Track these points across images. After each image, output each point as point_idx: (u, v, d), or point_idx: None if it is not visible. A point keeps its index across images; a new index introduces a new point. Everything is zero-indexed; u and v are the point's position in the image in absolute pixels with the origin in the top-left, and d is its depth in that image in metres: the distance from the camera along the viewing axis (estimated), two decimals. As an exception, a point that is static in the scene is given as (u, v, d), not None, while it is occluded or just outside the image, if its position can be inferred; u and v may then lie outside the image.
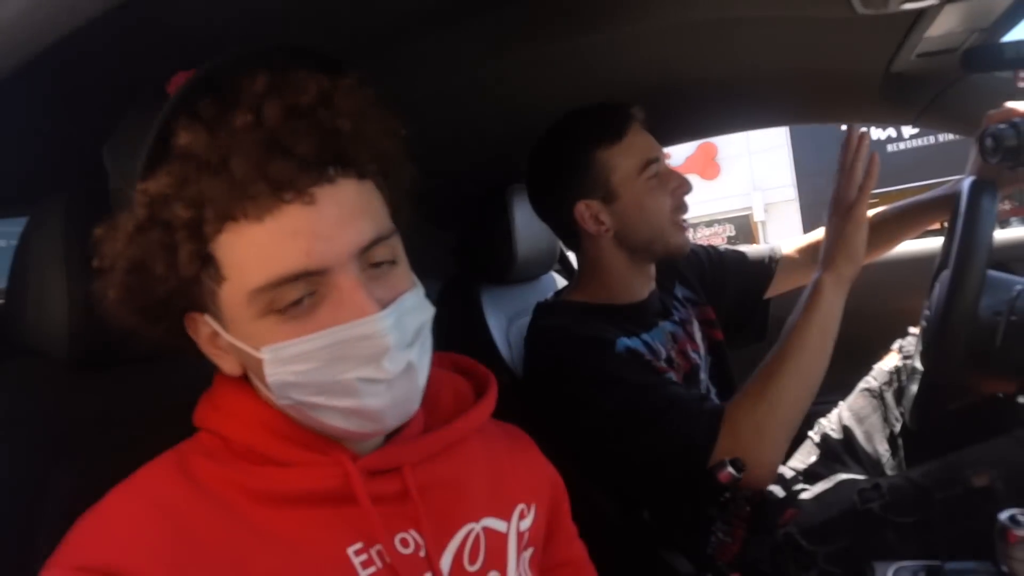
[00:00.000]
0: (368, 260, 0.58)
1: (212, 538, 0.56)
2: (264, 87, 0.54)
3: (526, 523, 0.72)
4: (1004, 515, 0.79)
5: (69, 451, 0.70)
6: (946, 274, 1.08)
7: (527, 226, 1.41)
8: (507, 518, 0.70)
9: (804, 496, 1.22)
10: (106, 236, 0.57)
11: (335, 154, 0.56)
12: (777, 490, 1.27)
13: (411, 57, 0.94)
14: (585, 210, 1.20)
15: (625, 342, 1.13)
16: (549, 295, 1.36)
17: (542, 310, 1.28)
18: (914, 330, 1.43)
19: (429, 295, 0.64)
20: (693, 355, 1.26)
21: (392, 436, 0.66)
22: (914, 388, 1.29)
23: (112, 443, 0.71)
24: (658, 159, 1.19)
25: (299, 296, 0.55)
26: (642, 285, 1.25)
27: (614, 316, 1.20)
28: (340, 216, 0.56)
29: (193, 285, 0.57)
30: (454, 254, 1.54)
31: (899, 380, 1.39)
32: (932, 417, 1.09)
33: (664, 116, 1.33)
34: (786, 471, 1.42)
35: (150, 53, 0.67)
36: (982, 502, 1.01)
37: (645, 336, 1.20)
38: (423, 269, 0.65)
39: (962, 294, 0.99)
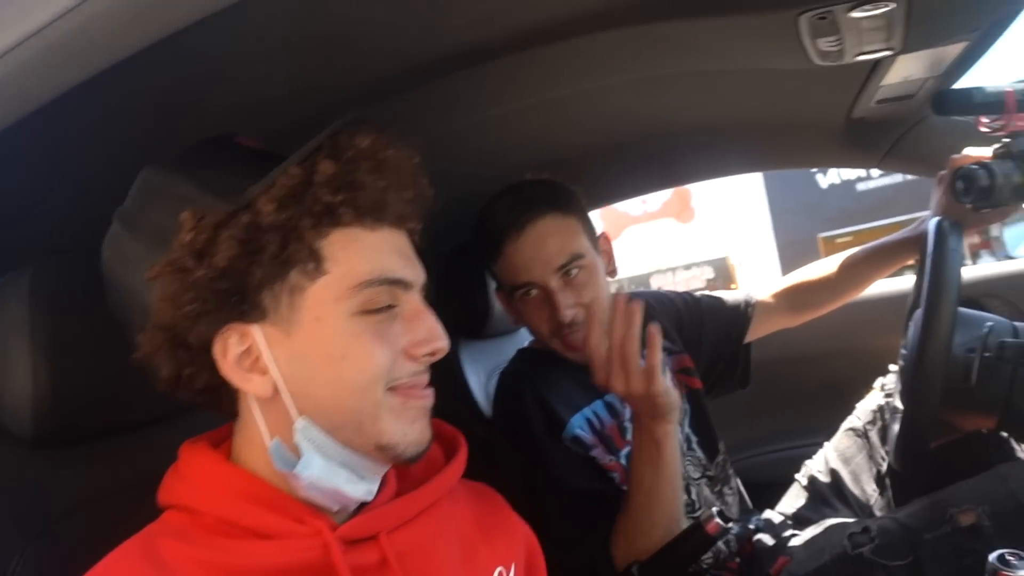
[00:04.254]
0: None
1: None
2: (391, 142, 0.64)
3: None
4: (993, 556, 0.78)
5: (34, 536, 0.67)
6: (919, 313, 1.09)
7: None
8: None
9: (794, 543, 1.21)
10: (208, 216, 0.58)
11: (416, 209, 0.68)
12: (767, 538, 1.26)
13: (385, 113, 0.96)
14: (500, 298, 1.27)
15: (576, 425, 1.16)
16: (526, 342, 1.37)
17: (515, 356, 1.33)
18: (894, 367, 1.44)
19: None
20: None
21: (364, 504, 0.66)
22: (897, 427, 1.30)
23: (77, 526, 0.69)
24: (527, 285, 1.15)
25: (388, 302, 0.63)
26: None
27: (577, 372, 1.20)
28: (413, 252, 0.68)
29: (276, 280, 0.60)
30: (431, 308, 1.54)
31: (883, 418, 1.40)
32: (915, 456, 1.09)
33: (634, 166, 1.36)
34: (775, 516, 1.41)
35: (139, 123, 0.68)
36: (971, 540, 1.01)
37: (609, 396, 1.21)
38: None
39: (935, 334, 1.01)
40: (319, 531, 0.60)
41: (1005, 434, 1.19)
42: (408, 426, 0.64)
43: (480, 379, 1.43)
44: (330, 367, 0.61)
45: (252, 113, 0.81)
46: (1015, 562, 0.77)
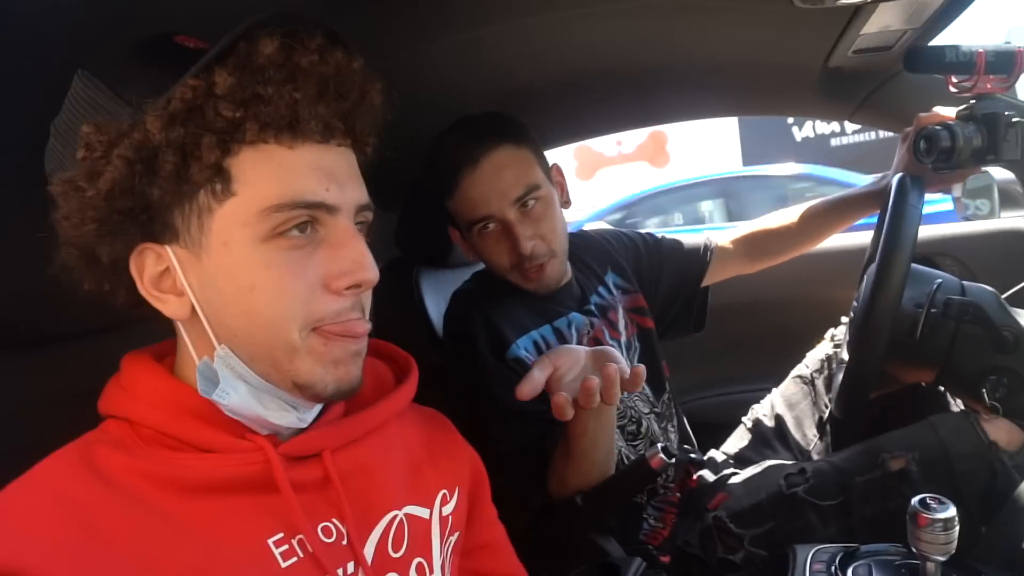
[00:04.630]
0: (356, 220, 0.63)
1: (121, 533, 0.53)
2: (321, 44, 0.59)
3: (448, 508, 0.73)
4: (916, 499, 0.82)
5: None
6: (873, 268, 1.11)
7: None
8: (429, 505, 0.71)
9: (734, 480, 1.25)
10: (103, 130, 0.55)
11: (355, 121, 0.63)
12: (707, 475, 1.30)
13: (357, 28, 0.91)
14: (455, 234, 1.25)
15: (520, 347, 1.17)
16: None
17: (470, 277, 1.34)
18: (846, 319, 1.48)
19: None
20: (611, 343, 1.28)
21: (313, 421, 0.66)
22: (840, 376, 1.34)
23: (15, 433, 0.68)
24: (485, 219, 1.14)
25: (307, 228, 0.59)
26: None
27: (527, 296, 1.23)
28: (350, 171, 0.63)
29: (183, 199, 0.57)
30: (394, 237, 1.52)
31: (829, 368, 1.44)
32: (856, 406, 1.13)
33: (607, 102, 1.34)
34: (717, 455, 1.46)
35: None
36: (898, 484, 1.06)
37: (558, 323, 1.23)
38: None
39: (886, 287, 1.03)
40: (260, 447, 0.60)
41: (942, 388, 1.24)
42: (329, 368, 0.61)
43: (440, 307, 1.43)
44: (239, 297, 0.58)
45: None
46: (935, 506, 0.81)
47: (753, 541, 1.12)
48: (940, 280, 1.10)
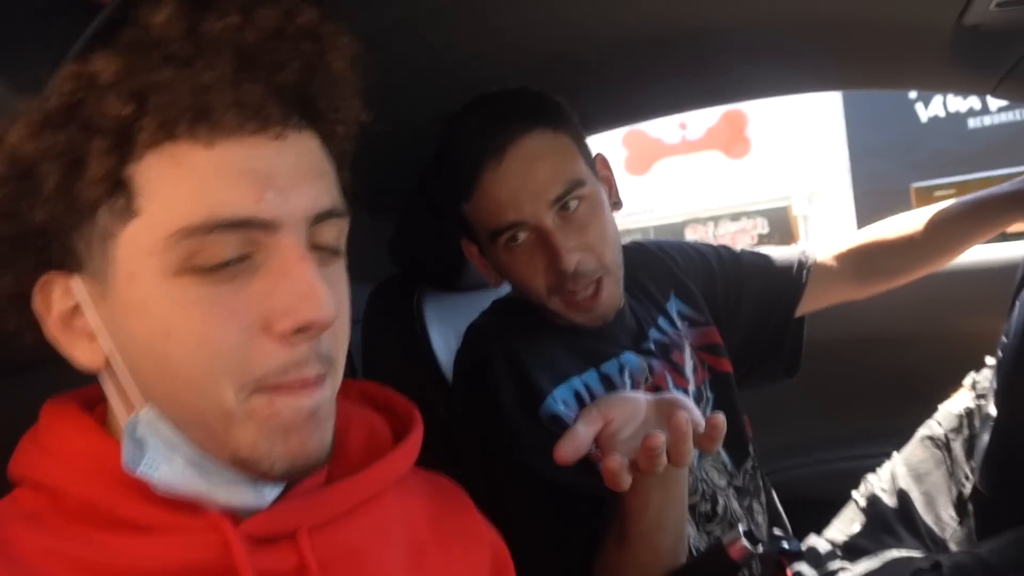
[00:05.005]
0: (314, 238, 0.60)
1: None
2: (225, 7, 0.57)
3: None
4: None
5: None
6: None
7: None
8: None
9: (843, 578, 1.25)
10: None
11: (310, 97, 0.61)
12: (807, 571, 1.30)
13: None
14: (471, 250, 1.26)
15: (557, 400, 1.16)
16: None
17: (492, 305, 1.35)
18: (991, 361, 1.47)
19: (356, 301, 0.66)
20: (676, 391, 1.28)
21: (285, 490, 0.66)
22: (988, 437, 1.33)
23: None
24: (513, 227, 1.14)
25: (232, 255, 0.56)
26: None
27: (568, 334, 1.23)
28: (299, 169, 0.60)
29: (81, 220, 0.57)
30: (390, 251, 1.54)
31: (970, 426, 1.44)
32: (1010, 477, 1.12)
33: (665, 75, 1.34)
34: (820, 544, 1.46)
35: None
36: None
37: (606, 367, 1.23)
38: (348, 268, 0.66)
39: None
40: (216, 525, 0.60)
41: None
42: (277, 439, 0.59)
43: (448, 343, 1.44)
44: (154, 346, 0.57)
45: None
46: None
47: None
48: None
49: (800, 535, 1.45)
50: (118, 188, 0.56)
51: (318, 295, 0.57)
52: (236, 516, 0.62)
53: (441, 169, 1.20)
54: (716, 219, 10.62)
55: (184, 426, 0.59)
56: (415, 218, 1.48)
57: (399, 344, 1.45)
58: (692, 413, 0.88)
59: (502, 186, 1.13)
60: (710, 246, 1.51)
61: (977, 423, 1.41)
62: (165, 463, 0.59)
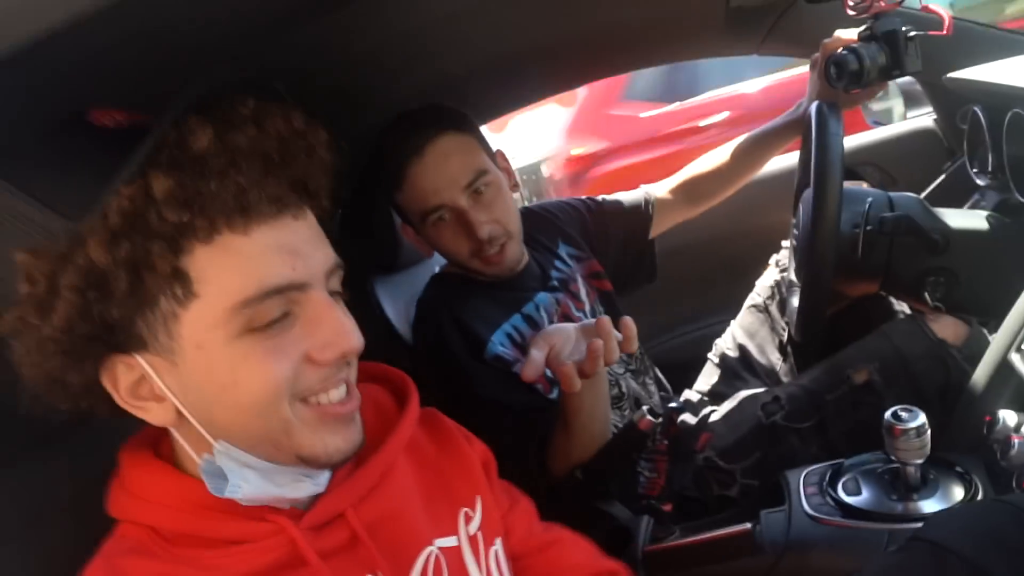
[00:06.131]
0: (328, 286, 0.61)
1: None
2: (256, 110, 0.56)
3: (474, 525, 0.73)
4: (888, 413, 0.89)
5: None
6: (808, 194, 1.17)
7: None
8: (454, 531, 0.72)
9: (713, 418, 1.32)
10: (41, 258, 0.52)
11: (307, 182, 0.61)
12: (688, 417, 1.37)
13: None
14: (408, 232, 1.27)
15: (496, 344, 1.18)
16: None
17: (428, 284, 1.34)
18: (786, 243, 1.55)
19: None
20: (578, 314, 1.32)
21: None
22: (794, 300, 1.42)
23: (20, 555, 0.66)
24: (437, 209, 1.15)
25: (280, 313, 0.56)
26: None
27: (490, 290, 1.25)
28: (312, 238, 0.60)
29: (146, 310, 0.55)
30: (336, 246, 1.51)
31: (780, 292, 1.51)
32: (814, 328, 1.20)
33: (520, 78, 1.34)
34: (692, 395, 1.53)
35: None
36: (865, 395, 1.15)
37: (527, 308, 1.26)
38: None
39: (825, 215, 1.09)
40: (283, 528, 0.60)
41: (884, 293, 1.33)
42: (328, 436, 0.60)
43: (400, 310, 1.43)
44: (224, 394, 0.56)
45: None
46: (906, 417, 0.89)
47: (744, 473, 1.20)
48: (870, 198, 1.17)
49: (677, 391, 1.53)
50: (176, 279, 0.54)
51: (348, 330, 0.59)
52: (297, 512, 0.62)
53: (377, 169, 1.19)
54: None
55: (252, 447, 0.59)
56: (356, 215, 1.44)
57: (360, 319, 1.43)
58: (607, 328, 0.94)
59: (425, 178, 1.15)
60: (579, 199, 1.53)
61: (784, 289, 1.49)
62: (244, 482, 0.58)
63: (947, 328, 1.14)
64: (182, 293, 0.54)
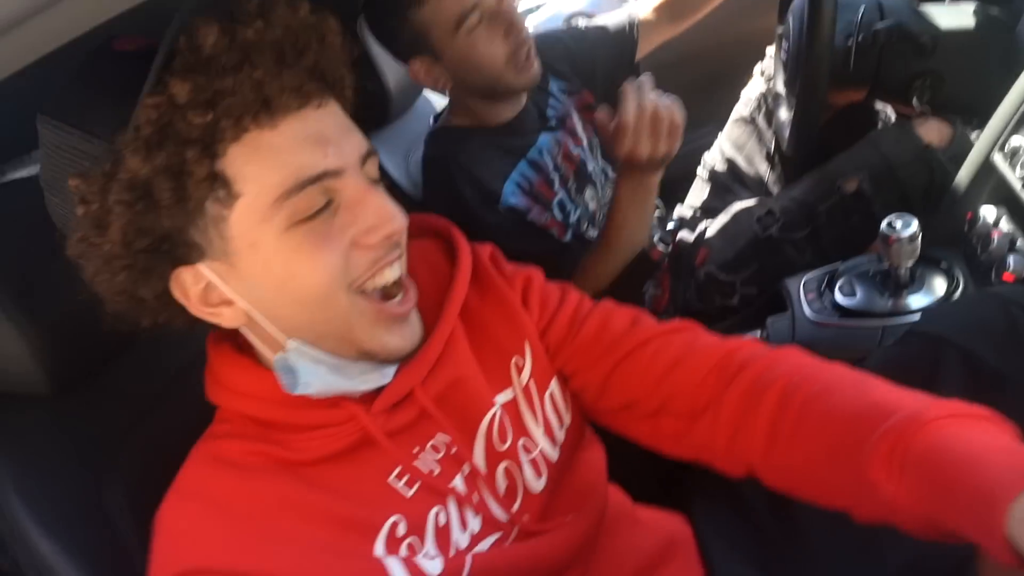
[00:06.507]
0: (367, 174, 0.61)
1: (272, 509, 0.60)
2: (260, 4, 0.55)
3: (526, 373, 0.74)
4: (884, 223, 0.98)
5: (106, 471, 0.72)
6: (799, 3, 1.17)
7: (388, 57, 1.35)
8: (509, 384, 0.73)
9: (710, 233, 1.39)
10: (90, 180, 0.55)
11: (325, 71, 0.60)
12: (686, 235, 1.45)
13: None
14: (420, 67, 1.20)
15: (509, 195, 1.19)
16: (429, 116, 1.37)
17: (429, 140, 1.32)
18: (770, 50, 1.55)
19: None
20: (576, 151, 1.34)
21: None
22: (782, 113, 1.45)
23: (139, 448, 0.75)
24: (473, 8, 1.09)
25: (322, 202, 0.57)
26: (509, 107, 1.27)
27: (495, 138, 1.25)
28: (340, 126, 0.60)
29: (195, 217, 0.56)
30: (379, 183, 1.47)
31: (766, 103, 1.53)
32: (806, 141, 1.25)
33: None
34: (686, 211, 1.60)
35: None
36: (855, 203, 1.23)
37: (531, 154, 1.27)
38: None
39: (820, 29, 1.10)
40: (354, 415, 0.63)
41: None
42: (384, 335, 0.62)
43: (399, 164, 1.44)
44: (284, 289, 0.58)
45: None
46: (900, 226, 0.97)
47: (744, 284, 1.30)
48: (863, 6, 1.17)
49: (669, 206, 1.58)
50: (217, 182, 0.55)
51: (391, 212, 0.59)
52: (368, 401, 0.65)
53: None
54: None
55: (319, 341, 0.61)
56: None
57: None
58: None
59: None
60: (562, 30, 1.48)
61: (770, 100, 1.52)
62: (315, 378, 0.61)
63: (932, 131, 1.20)
64: (224, 195, 0.56)
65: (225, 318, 0.61)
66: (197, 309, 0.60)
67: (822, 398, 0.63)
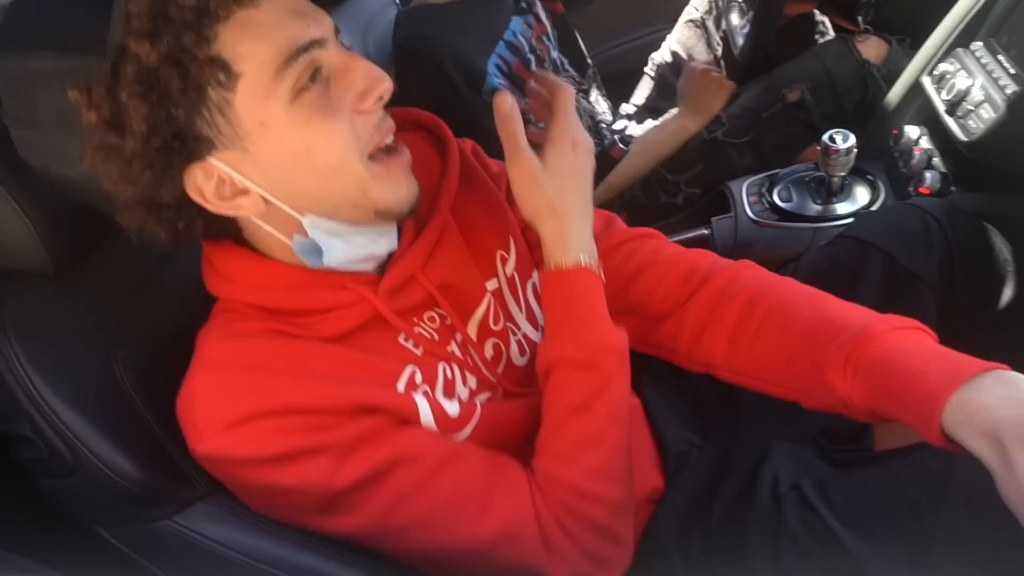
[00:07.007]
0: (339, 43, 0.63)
1: (304, 360, 0.64)
2: None
3: (510, 266, 0.79)
4: (826, 136, 1.08)
5: (117, 342, 0.74)
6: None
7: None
8: (494, 273, 0.78)
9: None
10: (94, 83, 0.55)
11: None
12: (635, 129, 1.49)
13: None
14: None
15: (493, 77, 1.20)
16: None
17: (405, 19, 1.30)
18: (724, -49, 1.57)
19: None
20: (543, 38, 1.36)
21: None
22: (733, 17, 1.50)
23: (146, 318, 0.77)
24: None
25: (313, 70, 0.59)
26: None
27: (473, 9, 1.25)
28: (305, 4, 0.61)
29: (200, 107, 0.57)
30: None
31: (716, 7, 1.58)
32: (761, 50, 1.31)
33: None
34: (628, 108, 1.66)
35: None
36: (797, 112, 1.32)
37: (507, 36, 1.28)
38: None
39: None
40: (363, 296, 0.67)
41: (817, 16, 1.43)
42: (395, 187, 0.65)
43: (356, 44, 1.40)
44: (300, 164, 0.60)
45: None
46: (839, 139, 1.08)
47: (688, 183, 1.39)
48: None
49: (614, 103, 1.62)
50: (215, 65, 0.56)
51: (378, 74, 0.62)
52: (374, 278, 0.69)
53: None
54: None
55: (334, 212, 0.64)
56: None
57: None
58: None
59: None
60: None
61: (721, 4, 1.55)
62: (336, 250, 0.65)
63: (871, 49, 1.29)
64: (225, 78, 0.57)
65: (243, 208, 0.62)
66: (215, 205, 0.61)
67: (783, 310, 0.72)
